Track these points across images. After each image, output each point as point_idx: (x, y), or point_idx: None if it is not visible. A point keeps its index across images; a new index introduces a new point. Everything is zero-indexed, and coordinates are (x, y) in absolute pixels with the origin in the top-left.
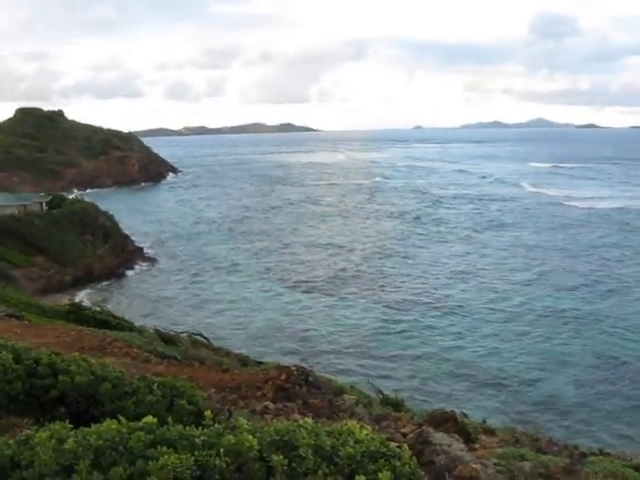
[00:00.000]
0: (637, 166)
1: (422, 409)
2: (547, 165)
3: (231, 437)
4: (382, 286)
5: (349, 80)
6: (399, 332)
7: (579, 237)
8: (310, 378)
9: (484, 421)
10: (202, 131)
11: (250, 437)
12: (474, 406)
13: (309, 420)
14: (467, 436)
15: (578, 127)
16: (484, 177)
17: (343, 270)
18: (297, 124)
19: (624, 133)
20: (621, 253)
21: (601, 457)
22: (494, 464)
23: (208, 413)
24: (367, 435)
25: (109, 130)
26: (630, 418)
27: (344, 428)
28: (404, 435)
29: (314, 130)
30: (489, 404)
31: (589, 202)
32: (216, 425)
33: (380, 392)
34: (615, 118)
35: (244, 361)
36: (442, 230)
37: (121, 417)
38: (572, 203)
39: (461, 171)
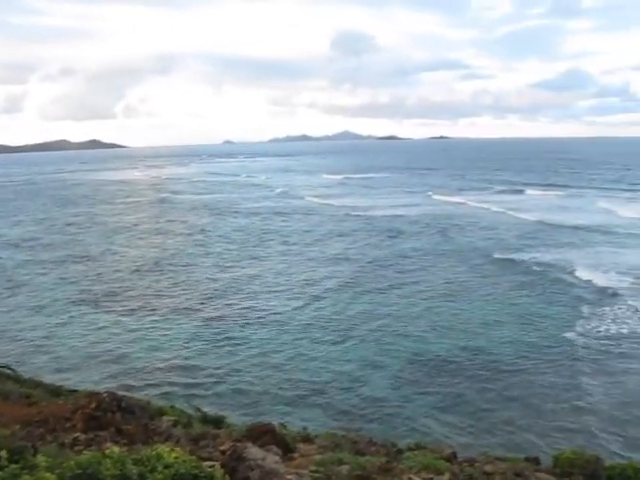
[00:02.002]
0: (424, 174)
1: (244, 424)
2: (340, 177)
3: (28, 477)
4: (193, 303)
5: (157, 95)
6: (216, 348)
7: (358, 245)
8: (123, 403)
9: (304, 429)
10: (0, 149)
11: (48, 475)
12: (296, 416)
13: (115, 449)
14: (286, 447)
15: (380, 139)
16: (276, 190)
17: (148, 288)
18: (104, 140)
19: (421, 144)
20: (395, 257)
21: (416, 452)
22: (311, 472)
23: (3, 453)
24: (177, 458)
25: None
26: (446, 411)
27: (153, 453)
28: (223, 452)
29: (122, 146)
30: (311, 412)
31: (369, 211)
32: (12, 466)
33: (198, 410)
34: (414, 130)
35: (56, 391)
36: (230, 246)
37: None
38: (354, 212)
39: (256, 185)
